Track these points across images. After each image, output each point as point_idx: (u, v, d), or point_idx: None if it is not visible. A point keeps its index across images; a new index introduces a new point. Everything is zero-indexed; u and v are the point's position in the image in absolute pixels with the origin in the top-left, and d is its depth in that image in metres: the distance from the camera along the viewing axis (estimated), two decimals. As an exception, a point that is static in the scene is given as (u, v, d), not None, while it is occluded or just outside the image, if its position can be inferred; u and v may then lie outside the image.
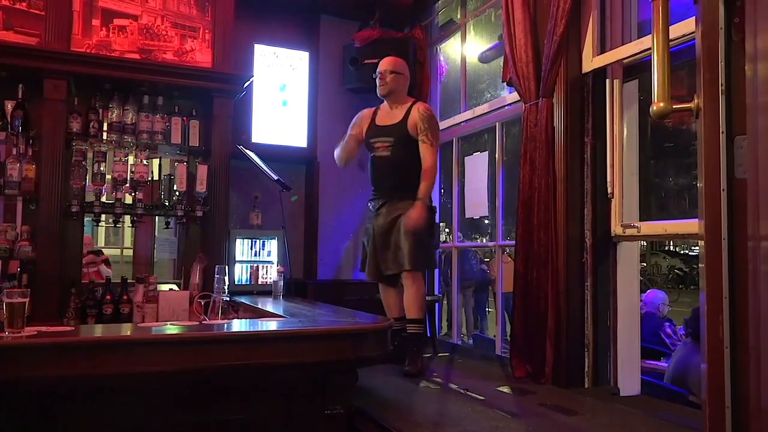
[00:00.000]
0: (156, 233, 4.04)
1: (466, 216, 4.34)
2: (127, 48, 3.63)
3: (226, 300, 2.85)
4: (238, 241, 4.13)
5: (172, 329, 2.39)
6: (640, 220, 3.00)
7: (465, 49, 4.45)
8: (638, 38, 2.90)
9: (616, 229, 3.02)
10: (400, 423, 2.34)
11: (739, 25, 1.30)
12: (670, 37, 1.50)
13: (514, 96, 3.53)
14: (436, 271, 4.81)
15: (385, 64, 3.41)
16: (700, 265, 1.44)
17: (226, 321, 2.69)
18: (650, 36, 2.42)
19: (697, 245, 4.28)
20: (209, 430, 2.20)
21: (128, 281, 3.46)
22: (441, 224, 4.73)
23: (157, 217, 3.88)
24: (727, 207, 1.31)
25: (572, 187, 3.05)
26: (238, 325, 2.56)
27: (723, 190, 1.32)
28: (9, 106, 3.35)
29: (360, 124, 3.48)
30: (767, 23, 1.23)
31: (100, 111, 3.52)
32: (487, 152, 4.13)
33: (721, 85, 1.33)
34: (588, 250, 3.04)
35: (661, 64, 1.45)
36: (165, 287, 3.54)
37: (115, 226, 3.68)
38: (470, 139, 4.50)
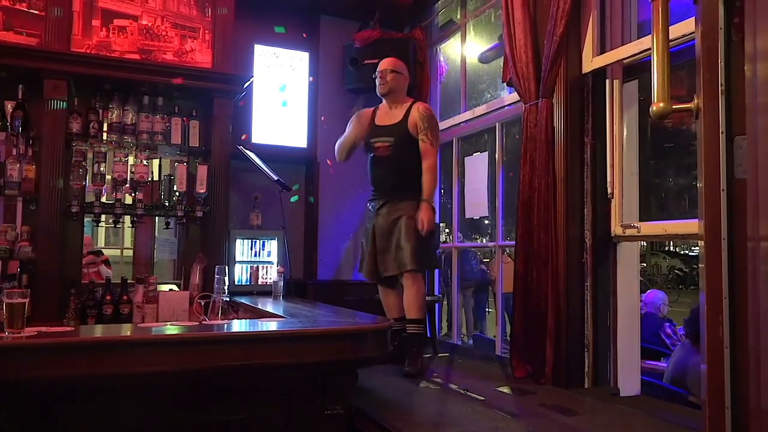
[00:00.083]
0: (156, 234, 4.04)
1: (466, 216, 4.34)
2: (127, 48, 3.63)
3: (226, 300, 2.86)
4: (238, 242, 4.13)
5: (172, 329, 2.39)
6: (640, 221, 3.00)
7: (465, 50, 4.45)
8: (638, 38, 2.90)
9: (616, 229, 3.02)
10: (400, 423, 2.34)
11: (738, 26, 1.30)
12: (670, 37, 1.50)
13: (514, 96, 3.53)
14: (436, 271, 4.81)
15: (384, 63, 3.43)
16: (699, 265, 1.44)
17: (226, 321, 2.69)
18: (650, 36, 2.42)
19: (697, 245, 4.28)
20: (209, 430, 2.20)
21: (128, 282, 3.46)
22: (441, 224, 4.73)
23: (157, 218, 3.88)
24: (727, 207, 1.31)
25: (572, 187, 3.05)
26: (238, 326, 2.56)
27: (723, 190, 1.32)
28: (9, 106, 3.35)
29: (361, 121, 3.47)
30: (767, 23, 1.23)
31: (100, 111, 3.52)
32: (487, 152, 4.13)
33: (721, 85, 1.33)
34: (588, 251, 3.04)
35: (660, 65, 1.45)
36: (165, 288, 3.55)
37: (115, 226, 3.68)
38: (470, 140, 4.50)
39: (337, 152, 3.55)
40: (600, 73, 3.08)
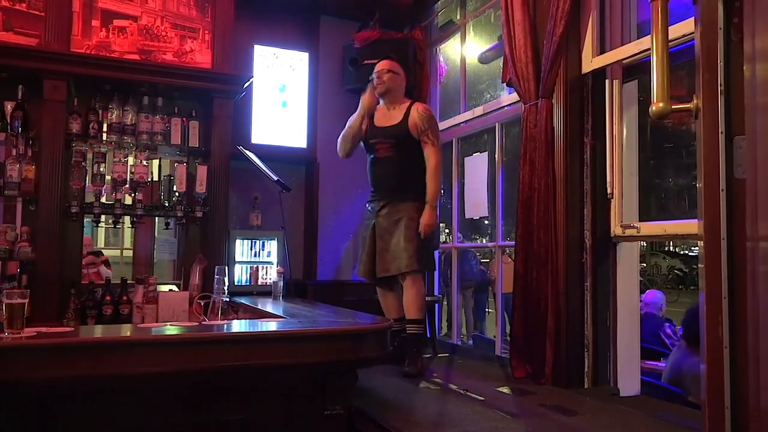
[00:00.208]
0: (156, 234, 4.04)
1: (466, 216, 4.34)
2: (126, 49, 3.63)
3: (225, 301, 2.86)
4: (238, 242, 4.13)
5: (171, 330, 2.39)
6: (640, 221, 3.00)
7: (464, 50, 4.45)
8: (638, 38, 2.90)
9: (615, 229, 3.02)
10: (400, 423, 2.34)
11: (738, 26, 1.30)
12: (670, 37, 1.50)
13: (514, 96, 3.53)
14: (436, 271, 4.81)
15: (381, 64, 3.44)
16: (699, 265, 1.44)
17: (225, 322, 2.69)
18: (650, 36, 2.41)
19: (697, 245, 4.27)
20: (209, 430, 2.20)
21: (128, 282, 3.46)
22: (441, 225, 4.73)
23: (156, 218, 3.88)
24: (726, 207, 1.31)
25: (572, 187, 3.05)
26: (238, 326, 2.56)
27: (722, 190, 1.32)
28: (9, 106, 3.35)
29: (364, 115, 3.44)
30: (766, 24, 1.23)
31: (100, 112, 3.52)
32: (486, 153, 4.13)
33: (720, 85, 1.33)
34: (588, 251, 3.04)
35: (660, 65, 1.45)
36: (165, 288, 3.55)
37: (114, 226, 3.68)
38: (470, 140, 4.50)
39: (340, 144, 3.51)
40: (600, 74, 3.08)
